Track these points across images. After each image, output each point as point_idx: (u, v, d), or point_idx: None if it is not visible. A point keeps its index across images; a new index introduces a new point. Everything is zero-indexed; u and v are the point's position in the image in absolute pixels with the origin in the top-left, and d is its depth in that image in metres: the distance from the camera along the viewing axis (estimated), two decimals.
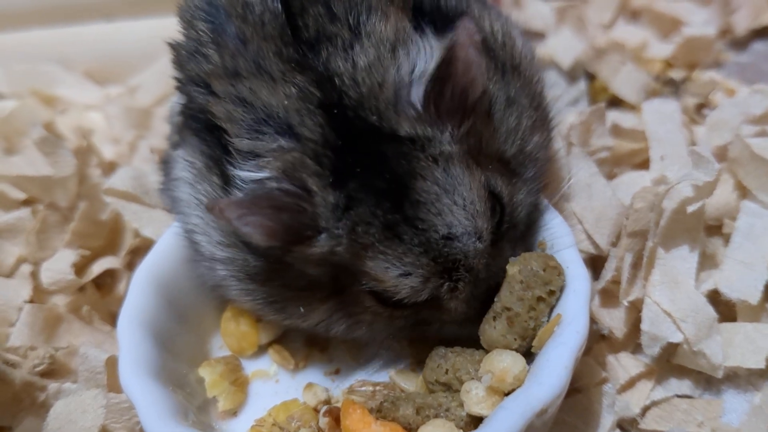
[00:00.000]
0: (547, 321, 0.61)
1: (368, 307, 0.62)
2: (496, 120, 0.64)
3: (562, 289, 0.61)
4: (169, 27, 1.06)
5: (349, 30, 0.60)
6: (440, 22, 0.64)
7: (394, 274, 0.58)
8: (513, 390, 0.57)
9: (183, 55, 0.66)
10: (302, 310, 0.64)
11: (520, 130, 0.66)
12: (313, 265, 0.60)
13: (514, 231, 0.64)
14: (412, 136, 0.58)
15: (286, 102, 0.59)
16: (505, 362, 0.58)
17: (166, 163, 0.74)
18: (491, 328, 0.61)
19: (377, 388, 0.67)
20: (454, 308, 0.61)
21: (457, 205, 0.57)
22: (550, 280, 0.61)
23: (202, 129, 0.65)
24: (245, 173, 0.59)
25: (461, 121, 0.59)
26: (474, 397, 0.59)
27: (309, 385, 0.69)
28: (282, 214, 0.56)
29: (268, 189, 0.57)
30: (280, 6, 0.61)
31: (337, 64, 0.59)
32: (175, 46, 0.68)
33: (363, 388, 0.67)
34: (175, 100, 0.76)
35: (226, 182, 0.62)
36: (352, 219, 0.57)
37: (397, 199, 0.57)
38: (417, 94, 0.58)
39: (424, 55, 0.60)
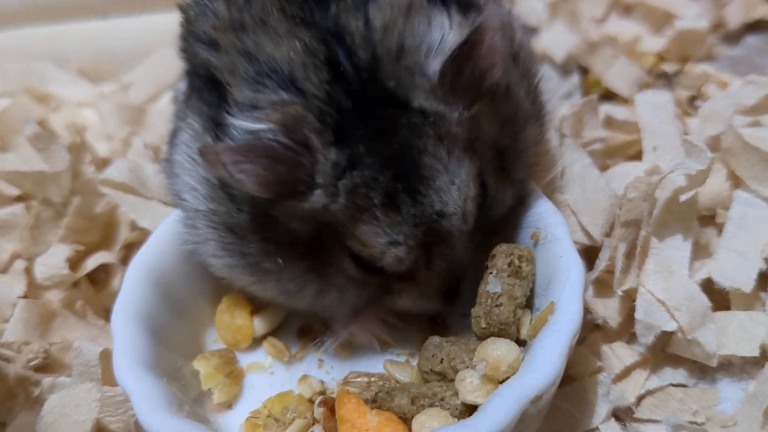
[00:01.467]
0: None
1: (344, 269, 0.62)
2: (495, 107, 0.64)
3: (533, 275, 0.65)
4: (162, 24, 1.07)
5: None
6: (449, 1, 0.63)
7: (384, 240, 0.58)
8: (507, 378, 0.57)
9: (191, 15, 0.66)
10: (281, 261, 0.63)
11: (516, 120, 0.66)
12: (299, 220, 0.60)
13: (486, 224, 0.65)
14: (424, 109, 0.58)
15: (291, 54, 0.58)
16: (499, 350, 0.58)
17: (171, 134, 0.74)
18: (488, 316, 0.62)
19: (372, 379, 0.67)
20: (425, 280, 0.63)
21: (454, 185, 0.58)
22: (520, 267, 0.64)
23: (203, 87, 0.65)
24: (241, 122, 0.59)
25: (471, 104, 0.59)
26: (468, 385, 0.59)
27: (304, 377, 0.69)
28: (278, 166, 0.56)
29: (267, 140, 0.57)
30: None
31: (347, 20, 0.58)
32: (183, 7, 0.68)
33: (358, 379, 0.67)
34: (181, 80, 0.76)
35: (220, 138, 0.61)
36: (354, 180, 0.57)
37: (402, 169, 0.57)
38: (434, 67, 0.58)
39: (443, 27, 0.60)
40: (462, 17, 0.62)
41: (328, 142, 0.57)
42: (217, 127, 0.61)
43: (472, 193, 0.60)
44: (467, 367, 0.60)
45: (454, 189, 0.58)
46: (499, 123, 0.64)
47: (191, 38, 0.66)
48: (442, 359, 0.62)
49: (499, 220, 0.68)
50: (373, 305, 0.68)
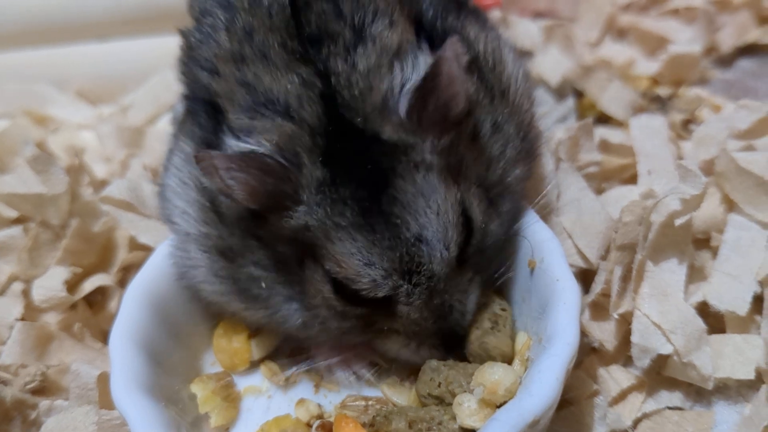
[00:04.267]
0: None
1: (325, 299, 0.62)
2: (480, 145, 0.65)
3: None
4: (161, 47, 1.08)
5: (353, 31, 0.62)
6: (437, 39, 0.65)
7: (359, 261, 0.58)
8: (505, 402, 0.58)
9: (193, 41, 0.68)
10: (264, 285, 0.64)
11: (503, 160, 0.67)
12: (283, 241, 0.61)
13: (478, 259, 0.64)
14: (394, 140, 0.59)
15: (288, 87, 0.60)
16: (496, 374, 0.59)
17: (165, 157, 0.75)
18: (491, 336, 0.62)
19: (369, 402, 0.67)
20: (405, 314, 0.62)
21: (431, 209, 0.59)
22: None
23: (199, 110, 0.66)
24: (237, 143, 0.60)
25: (442, 133, 0.60)
26: (466, 409, 0.59)
27: (301, 401, 0.69)
28: (267, 178, 0.57)
29: (260, 154, 0.59)
30: None
31: (335, 63, 0.60)
32: (185, 33, 0.70)
33: (355, 403, 0.67)
34: (179, 102, 0.77)
35: None
36: (332, 196, 0.58)
37: (376, 190, 0.58)
38: (403, 105, 0.60)
39: (418, 69, 0.61)
40: (430, 56, 0.63)
41: (317, 160, 0.58)
42: (210, 149, 0.62)
43: (453, 220, 0.60)
44: (465, 391, 0.61)
45: (431, 213, 0.59)
46: (486, 161, 0.65)
47: (192, 63, 0.67)
48: (439, 383, 0.62)
49: (499, 258, 0.68)
50: (359, 343, 0.68)
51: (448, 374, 0.62)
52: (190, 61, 0.68)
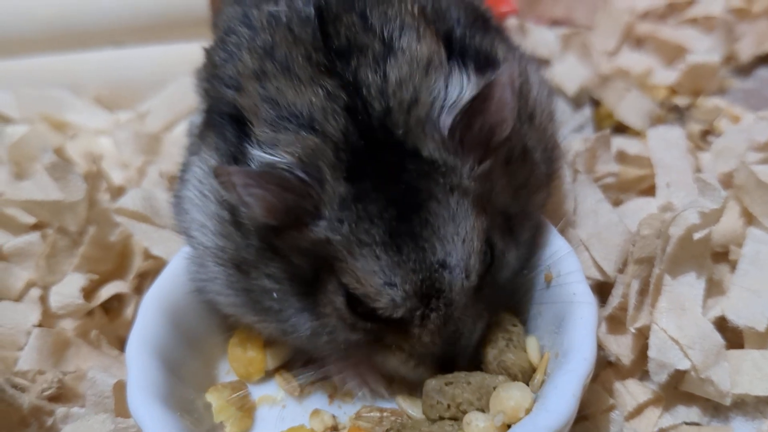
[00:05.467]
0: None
1: (337, 309, 0.62)
2: (510, 171, 0.65)
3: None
4: (179, 54, 1.09)
5: (382, 43, 0.61)
6: (468, 58, 0.64)
7: (380, 280, 0.58)
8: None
9: (217, 60, 0.68)
10: (275, 297, 0.64)
11: (528, 187, 0.67)
12: (300, 253, 0.61)
13: (492, 289, 0.64)
14: (434, 158, 0.59)
15: (312, 99, 0.60)
16: (513, 399, 0.58)
17: (182, 169, 0.75)
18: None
19: (384, 414, 0.67)
20: (417, 337, 0.61)
21: (459, 236, 0.58)
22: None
23: (224, 124, 0.66)
24: (261, 154, 0.60)
25: (482, 158, 0.60)
26: (475, 428, 0.58)
27: (316, 411, 0.68)
28: (287, 195, 0.57)
29: (281, 169, 0.58)
30: (312, 11, 0.63)
31: (366, 74, 0.60)
32: (209, 51, 0.71)
33: (370, 414, 0.67)
34: (197, 113, 0.78)
35: None
36: (358, 213, 0.57)
37: (407, 211, 0.58)
38: (446, 121, 0.59)
39: (459, 84, 0.61)
40: (479, 75, 0.63)
41: (340, 176, 0.58)
42: (235, 162, 0.62)
43: (478, 248, 0.59)
44: (474, 407, 0.60)
45: (458, 240, 0.58)
46: (513, 189, 0.65)
47: (216, 81, 0.68)
48: (448, 405, 0.61)
49: (511, 290, 0.67)
50: (361, 355, 0.67)
51: (454, 393, 0.61)
52: (214, 78, 0.68)
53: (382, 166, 0.58)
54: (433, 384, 0.62)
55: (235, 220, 0.64)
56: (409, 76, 0.60)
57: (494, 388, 0.60)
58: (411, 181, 0.58)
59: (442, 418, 0.61)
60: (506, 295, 0.67)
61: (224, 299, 0.69)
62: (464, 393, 0.61)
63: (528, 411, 0.57)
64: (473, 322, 0.63)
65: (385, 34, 0.62)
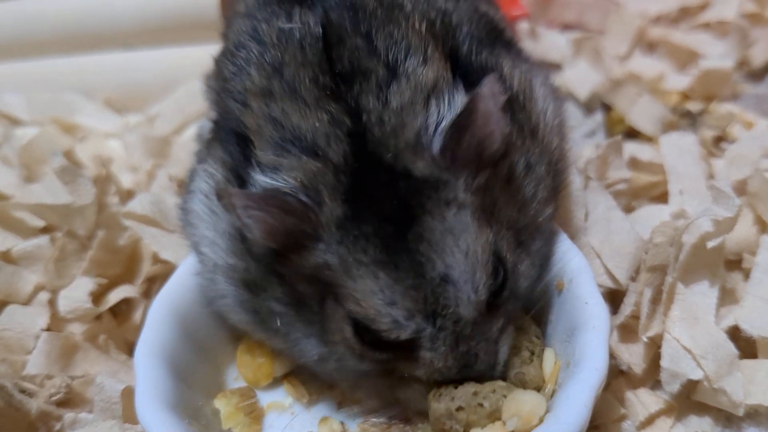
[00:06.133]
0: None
1: (345, 338, 0.60)
2: (513, 187, 0.64)
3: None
4: (189, 57, 1.09)
5: (386, 68, 0.61)
6: (472, 75, 0.64)
7: (380, 300, 0.56)
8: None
9: (227, 73, 0.68)
10: (279, 324, 0.64)
11: (535, 201, 0.66)
12: (303, 280, 0.60)
13: (513, 305, 0.62)
14: (426, 176, 0.58)
15: (316, 124, 0.59)
16: (528, 405, 0.57)
17: (188, 178, 0.75)
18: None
19: (393, 421, 0.66)
20: (429, 361, 0.58)
21: (459, 249, 0.56)
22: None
23: (230, 140, 0.65)
24: (263, 179, 0.60)
25: (476, 172, 0.59)
26: None
27: (324, 419, 0.68)
28: (287, 218, 0.57)
29: (282, 192, 0.58)
30: (321, 32, 0.62)
31: (367, 100, 0.60)
32: (219, 63, 0.71)
33: (379, 420, 0.66)
34: (206, 119, 0.77)
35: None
36: (354, 233, 0.57)
37: (402, 227, 0.57)
38: (437, 141, 0.59)
39: (453, 107, 0.61)
40: (464, 94, 0.62)
41: (340, 198, 0.57)
42: (240, 179, 0.62)
43: (483, 261, 0.57)
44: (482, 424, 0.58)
45: (459, 253, 0.56)
46: (518, 204, 0.64)
47: (224, 94, 0.67)
48: (464, 429, 0.58)
49: (531, 301, 0.66)
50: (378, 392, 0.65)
51: (469, 420, 0.58)
52: (223, 91, 0.68)
53: (376, 186, 0.57)
54: (441, 410, 0.58)
55: (244, 241, 0.63)
56: (411, 102, 0.60)
57: None
58: (403, 198, 0.57)
59: None
60: (527, 305, 0.66)
61: (234, 316, 0.69)
62: (480, 420, 0.58)
63: (541, 419, 0.57)
64: (491, 343, 0.60)
65: (390, 57, 0.62)
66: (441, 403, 0.59)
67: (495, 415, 0.58)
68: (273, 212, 0.56)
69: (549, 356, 0.64)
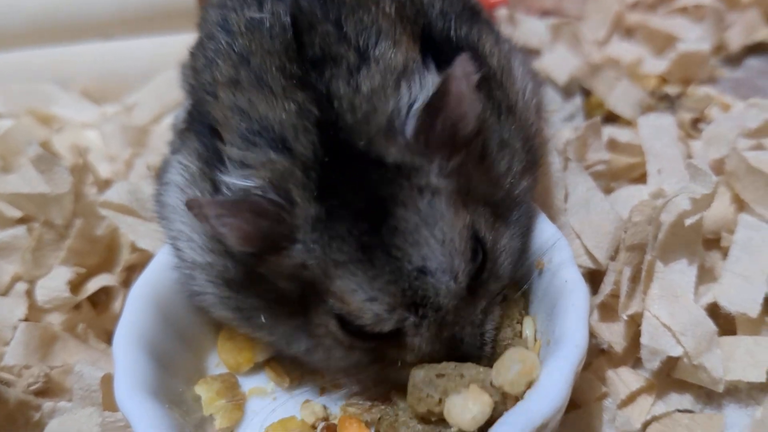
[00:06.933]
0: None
1: (330, 331, 0.60)
2: (487, 163, 0.63)
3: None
4: (166, 46, 1.08)
5: (357, 53, 0.60)
6: (450, 53, 0.63)
7: (361, 297, 0.56)
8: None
9: (199, 66, 0.67)
10: (263, 320, 0.63)
11: (510, 175, 0.65)
12: (284, 278, 0.60)
13: (495, 284, 0.63)
14: (398, 163, 0.57)
15: (283, 116, 0.59)
16: (529, 358, 0.57)
17: (162, 168, 0.74)
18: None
19: (374, 401, 0.66)
20: (416, 347, 0.59)
21: (435, 239, 0.56)
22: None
23: (204, 132, 0.65)
24: (232, 180, 0.59)
25: (450, 155, 0.58)
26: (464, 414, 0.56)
27: (306, 402, 0.68)
28: (260, 221, 0.56)
29: (252, 195, 0.57)
30: (289, 20, 0.62)
31: (338, 86, 0.59)
32: (194, 55, 0.70)
33: (360, 401, 0.66)
34: (181, 108, 0.77)
35: (216, 190, 0.62)
36: (329, 233, 0.56)
37: (376, 222, 0.56)
38: (409, 125, 0.58)
39: (426, 88, 0.60)
40: (437, 74, 0.61)
41: (311, 197, 0.57)
42: (213, 173, 0.62)
43: (461, 248, 0.57)
44: None
45: (435, 244, 0.56)
46: (493, 179, 0.64)
47: (197, 85, 0.67)
48: (440, 399, 0.58)
49: (517, 276, 0.66)
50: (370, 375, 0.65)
51: (447, 387, 0.58)
52: (197, 83, 0.67)
53: (348, 180, 0.57)
54: (421, 375, 0.59)
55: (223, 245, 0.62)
56: (382, 86, 0.59)
57: (491, 383, 0.58)
58: (376, 191, 0.56)
59: (431, 412, 0.59)
60: (511, 279, 0.66)
61: (217, 311, 0.68)
62: (458, 387, 0.57)
63: (532, 382, 0.56)
64: (479, 323, 0.61)
65: (360, 42, 0.61)
66: (421, 371, 0.59)
67: (468, 380, 0.58)
68: (246, 217, 0.55)
69: (528, 323, 0.65)
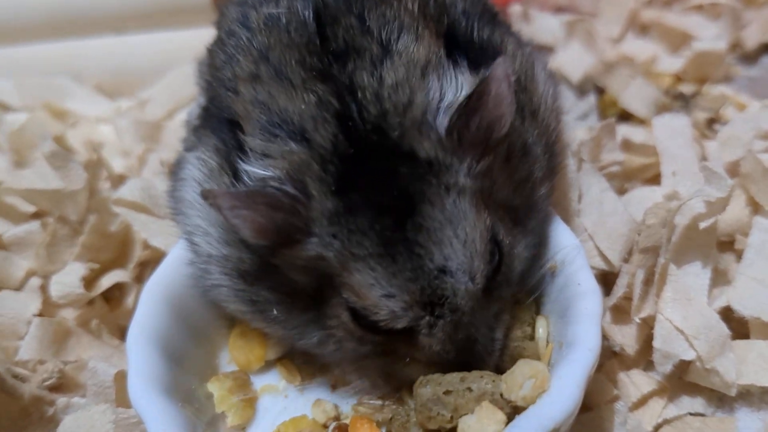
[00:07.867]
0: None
1: (343, 323, 0.61)
2: (511, 167, 0.63)
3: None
4: (180, 41, 1.08)
5: (380, 46, 0.61)
6: (473, 54, 0.63)
7: (378, 293, 0.56)
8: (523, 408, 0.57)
9: (218, 62, 0.68)
10: (276, 312, 0.64)
11: (530, 181, 0.65)
12: (298, 271, 0.60)
13: (507, 290, 0.63)
14: (430, 159, 0.57)
15: (302, 107, 0.59)
16: (542, 370, 0.57)
17: (176, 165, 0.75)
18: None
19: (386, 402, 0.66)
20: (428, 346, 0.59)
21: (458, 239, 0.56)
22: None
23: (223, 127, 0.65)
24: (253, 169, 0.60)
25: (481, 156, 0.58)
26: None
27: (318, 401, 0.68)
28: (275, 214, 0.56)
29: (267, 187, 0.57)
30: (311, 15, 0.62)
31: (362, 77, 0.59)
32: (211, 52, 0.71)
33: (372, 401, 0.66)
34: (195, 104, 0.77)
35: (238, 179, 0.62)
36: (349, 227, 0.56)
37: (400, 218, 0.56)
38: (442, 122, 0.58)
39: (455, 84, 0.60)
40: (470, 73, 0.62)
41: (328, 190, 0.57)
42: (232, 167, 0.62)
43: (481, 249, 0.57)
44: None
45: (457, 243, 0.56)
46: (514, 184, 0.64)
47: (216, 82, 0.67)
48: (451, 416, 0.58)
49: (526, 281, 0.66)
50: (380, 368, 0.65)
51: (457, 404, 0.58)
52: (215, 80, 0.68)
53: (373, 174, 0.57)
54: (428, 394, 0.58)
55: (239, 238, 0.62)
56: (406, 78, 0.59)
57: (501, 395, 0.57)
58: (403, 186, 0.56)
59: (443, 429, 0.58)
60: (523, 286, 0.66)
61: (231, 306, 0.68)
62: (468, 404, 0.57)
63: (542, 392, 0.56)
64: (490, 327, 0.61)
65: (383, 36, 0.61)
66: (427, 388, 0.59)
67: (483, 399, 0.57)
68: (261, 210, 0.55)
69: (542, 323, 0.65)
